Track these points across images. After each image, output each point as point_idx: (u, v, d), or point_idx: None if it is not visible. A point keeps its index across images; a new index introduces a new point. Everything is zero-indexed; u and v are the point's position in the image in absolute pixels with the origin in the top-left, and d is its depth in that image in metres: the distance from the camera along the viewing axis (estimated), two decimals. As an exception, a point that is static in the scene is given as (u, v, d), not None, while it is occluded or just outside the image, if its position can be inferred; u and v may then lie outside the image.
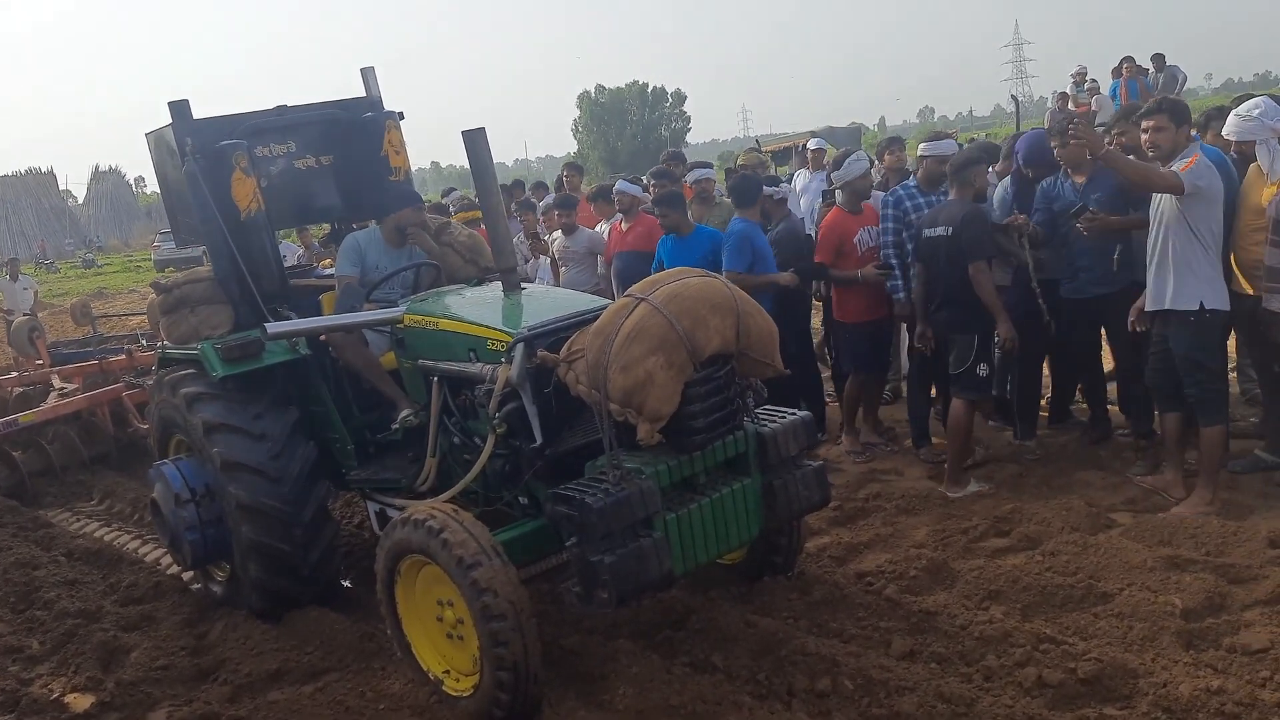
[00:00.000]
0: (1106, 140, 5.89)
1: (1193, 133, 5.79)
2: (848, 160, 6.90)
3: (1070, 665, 3.90)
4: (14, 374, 11.51)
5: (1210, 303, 5.27)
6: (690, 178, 8.69)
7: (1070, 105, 15.49)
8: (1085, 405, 7.00)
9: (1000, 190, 6.76)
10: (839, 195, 6.99)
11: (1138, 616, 4.26)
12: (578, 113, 77.76)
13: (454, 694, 4.21)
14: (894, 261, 6.70)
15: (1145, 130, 5.44)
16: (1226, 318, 5.45)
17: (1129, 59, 15.84)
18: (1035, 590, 4.63)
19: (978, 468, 6.45)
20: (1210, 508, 5.36)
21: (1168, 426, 5.74)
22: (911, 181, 6.94)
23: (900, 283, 6.72)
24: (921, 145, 7.10)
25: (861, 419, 7.26)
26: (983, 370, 6.11)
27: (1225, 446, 5.65)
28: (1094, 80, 16.71)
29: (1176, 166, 5.21)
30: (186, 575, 6.21)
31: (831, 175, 7.00)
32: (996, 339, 6.04)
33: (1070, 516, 5.42)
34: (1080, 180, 6.11)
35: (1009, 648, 4.12)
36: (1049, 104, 20.05)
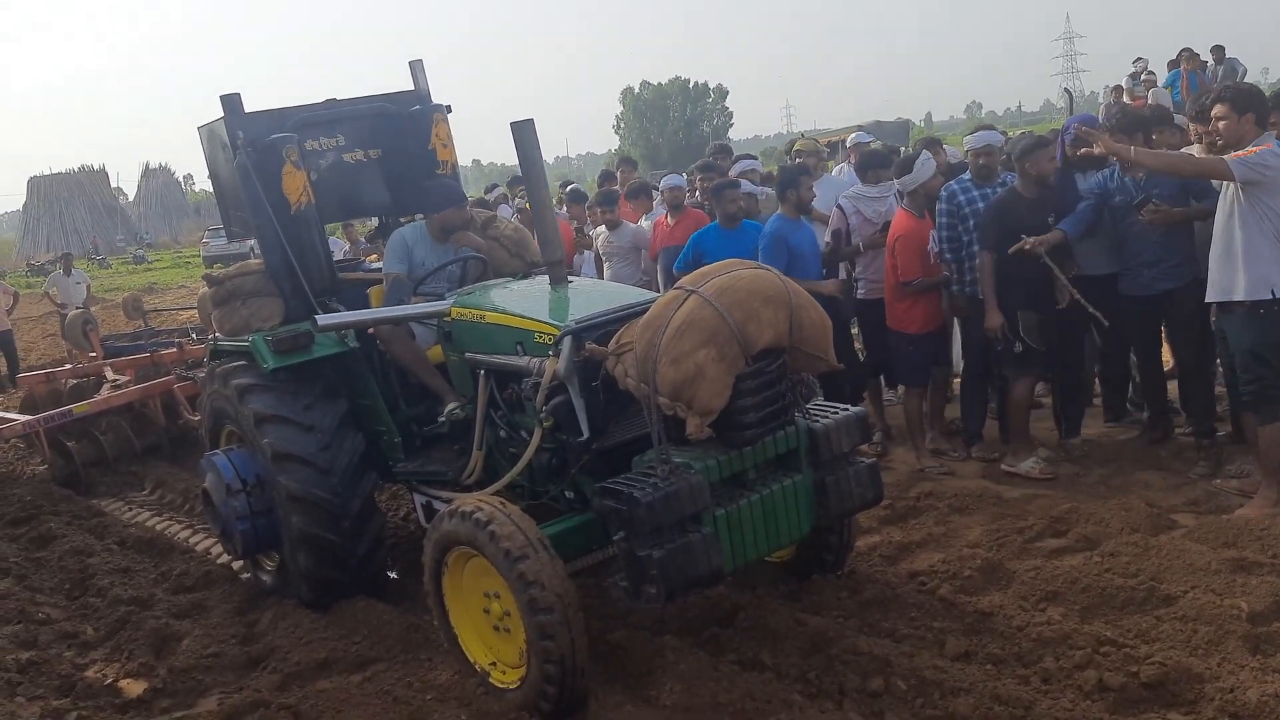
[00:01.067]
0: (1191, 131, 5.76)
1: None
2: (917, 163, 6.63)
3: (1132, 669, 3.80)
4: (68, 366, 11.71)
5: None
6: (736, 169, 8.60)
7: (1125, 99, 15.19)
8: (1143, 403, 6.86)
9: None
10: (908, 199, 6.71)
11: (1202, 620, 4.13)
12: (620, 109, 77.86)
13: (500, 686, 4.19)
14: (948, 257, 6.58)
15: (1211, 120, 5.31)
16: None
17: (1188, 50, 15.51)
18: (1094, 592, 4.52)
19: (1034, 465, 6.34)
20: (1276, 508, 5.20)
21: (1249, 424, 5.56)
22: (966, 175, 6.81)
23: (958, 276, 6.58)
24: (967, 139, 6.97)
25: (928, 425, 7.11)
26: (1018, 348, 6.19)
27: None
28: (1151, 73, 16.38)
29: (1239, 154, 5.07)
30: (237, 564, 6.28)
31: (899, 181, 6.78)
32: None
33: (1130, 517, 5.29)
34: (1141, 173, 5.97)
35: (1068, 650, 4.02)
36: (1101, 98, 19.70)
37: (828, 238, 7.19)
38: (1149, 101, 13.97)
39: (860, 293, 7.18)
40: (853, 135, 10.43)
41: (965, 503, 5.86)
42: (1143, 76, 16.26)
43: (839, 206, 7.21)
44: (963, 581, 4.83)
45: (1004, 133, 8.08)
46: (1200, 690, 3.66)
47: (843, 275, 7.19)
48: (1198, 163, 5.25)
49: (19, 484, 9.24)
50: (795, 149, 8.36)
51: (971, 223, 6.46)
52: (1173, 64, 15.71)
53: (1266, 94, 5.80)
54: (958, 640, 4.23)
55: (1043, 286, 6.12)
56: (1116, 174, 6.12)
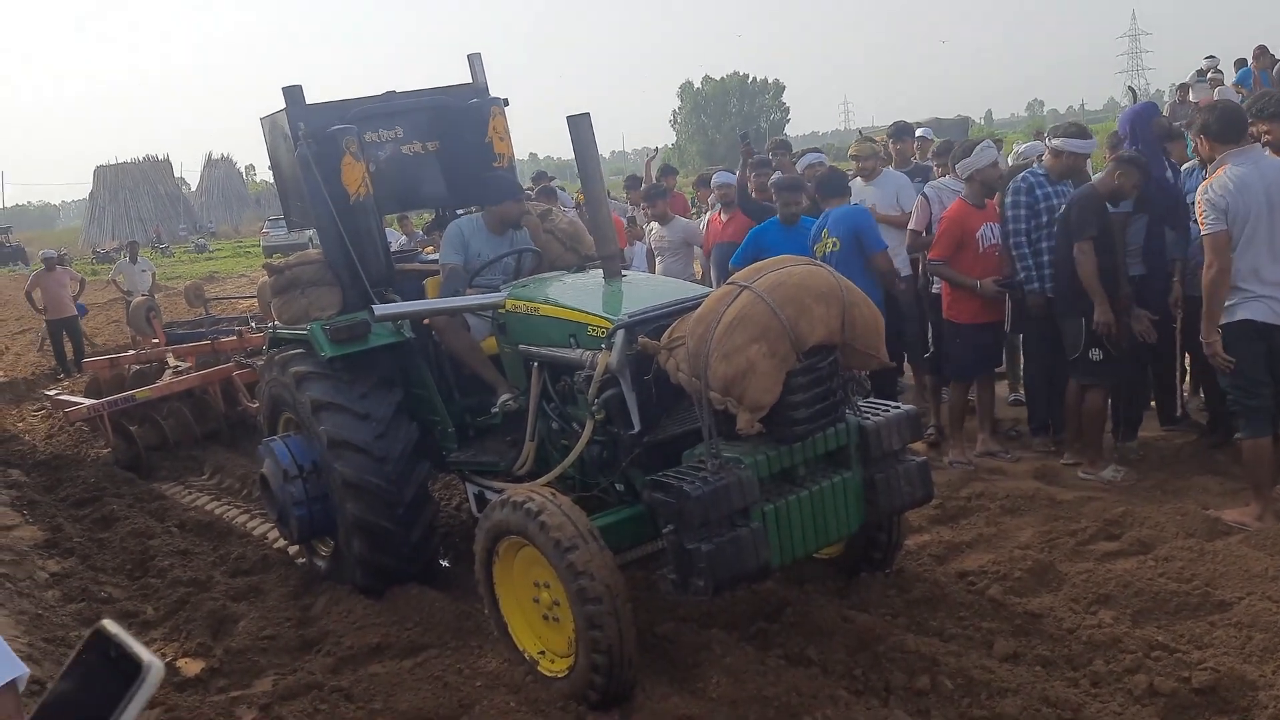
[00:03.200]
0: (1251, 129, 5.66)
1: None
2: (977, 149, 6.58)
3: (1184, 674, 3.75)
4: (132, 352, 11.99)
5: None
6: (802, 163, 8.55)
7: (1190, 97, 14.87)
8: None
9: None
10: (967, 188, 6.66)
11: (1258, 627, 4.07)
12: (678, 104, 77.83)
13: (549, 674, 4.24)
14: (1026, 250, 6.47)
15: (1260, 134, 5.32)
16: None
17: (1262, 48, 15.13)
18: (1147, 596, 4.46)
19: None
20: (1259, 522, 5.12)
21: None
22: (1039, 169, 6.72)
23: (1034, 273, 6.46)
24: (1059, 140, 6.76)
25: (978, 426, 7.04)
26: (1095, 355, 6.03)
27: None
28: (1219, 72, 16.00)
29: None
30: (292, 550, 6.40)
31: (957, 166, 6.72)
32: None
33: (1185, 521, 5.21)
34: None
35: (1118, 654, 3.98)
36: (1167, 96, 19.29)
37: (912, 226, 7.14)
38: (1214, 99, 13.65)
39: (936, 287, 7.13)
40: (920, 131, 10.34)
41: (1017, 504, 5.80)
42: (1210, 75, 15.89)
43: (924, 195, 7.17)
44: (1013, 582, 4.79)
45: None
46: (1254, 697, 3.61)
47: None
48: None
49: (83, 466, 9.50)
50: (851, 153, 8.23)
51: (1045, 219, 6.40)
52: (1241, 62, 15.32)
53: None
54: (1006, 641, 4.20)
55: (1122, 295, 6.04)
56: (1198, 171, 6.04)
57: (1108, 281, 5.98)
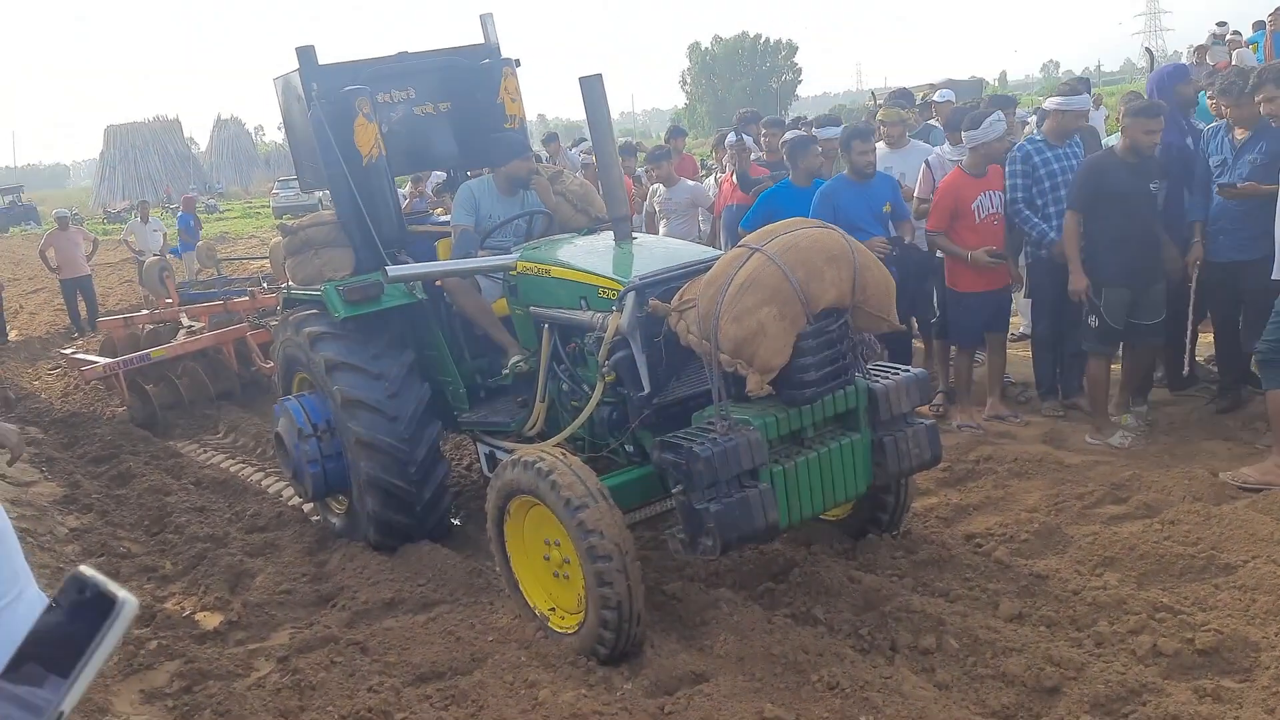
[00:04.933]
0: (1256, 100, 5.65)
1: None
2: (986, 121, 6.47)
3: (1188, 635, 3.79)
4: (145, 312, 12.07)
5: None
6: (823, 135, 8.48)
7: (1208, 59, 14.71)
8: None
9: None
10: (969, 156, 6.61)
11: (1262, 589, 4.10)
12: (687, 64, 77.16)
13: (559, 630, 4.32)
14: (1028, 213, 6.46)
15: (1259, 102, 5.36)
16: None
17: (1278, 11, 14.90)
18: (1153, 559, 4.50)
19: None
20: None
21: None
22: (1038, 135, 6.69)
23: (1049, 224, 6.44)
24: (1053, 100, 6.79)
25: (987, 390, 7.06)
26: (1093, 322, 6.10)
27: None
28: (1236, 33, 15.81)
29: None
30: (307, 507, 6.48)
31: (965, 135, 6.68)
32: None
33: (1193, 485, 5.24)
34: (1240, 136, 5.85)
35: (1123, 615, 4.02)
36: (1185, 58, 19.08)
37: (916, 194, 7.12)
38: (1232, 63, 13.52)
39: (940, 252, 7.11)
40: (939, 93, 10.26)
41: (1025, 467, 5.83)
42: (1228, 37, 15.71)
43: (927, 164, 7.14)
44: (1019, 545, 4.84)
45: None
46: (1256, 658, 3.65)
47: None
48: None
49: (100, 424, 9.60)
50: (880, 118, 8.10)
51: (1047, 184, 6.38)
52: (1260, 25, 15.11)
53: None
54: (1011, 602, 4.25)
55: (1140, 264, 6.01)
56: (1221, 131, 6.00)
57: (1124, 250, 5.97)
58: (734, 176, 8.27)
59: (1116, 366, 6.67)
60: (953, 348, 7.12)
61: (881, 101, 9.37)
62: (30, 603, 1.43)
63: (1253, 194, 5.67)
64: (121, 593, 1.02)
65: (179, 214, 17.57)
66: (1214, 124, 6.18)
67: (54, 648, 1.02)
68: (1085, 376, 6.42)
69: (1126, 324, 6.12)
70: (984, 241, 6.51)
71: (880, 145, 7.54)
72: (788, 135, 7.98)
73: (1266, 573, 4.21)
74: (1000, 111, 6.83)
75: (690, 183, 9.27)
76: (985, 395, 7.03)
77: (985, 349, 7.02)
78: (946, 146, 7.25)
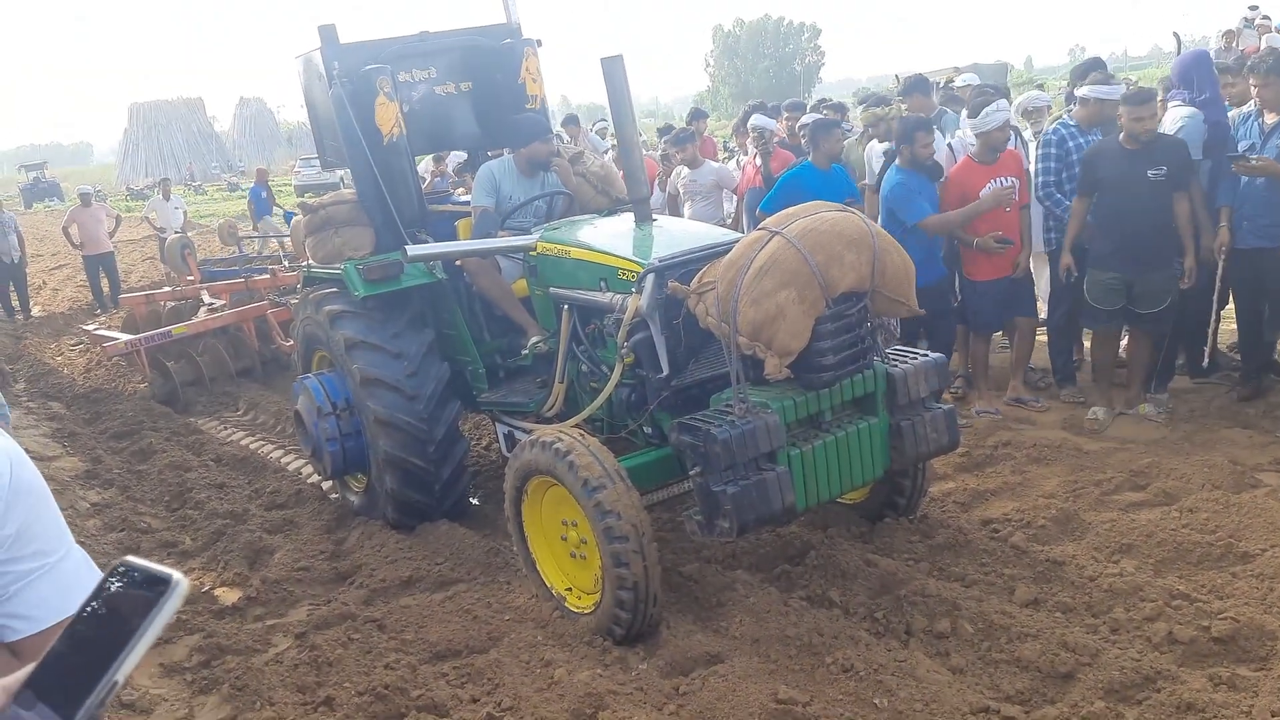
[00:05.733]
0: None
1: None
2: (987, 109, 6.41)
3: (1204, 623, 3.79)
4: (167, 289, 12.14)
5: None
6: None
7: (1237, 44, 14.52)
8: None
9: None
10: (978, 144, 6.53)
11: (1280, 579, 4.10)
12: (711, 46, 76.82)
13: (576, 610, 4.34)
14: (1059, 196, 6.47)
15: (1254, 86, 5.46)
16: None
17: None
18: (1170, 546, 4.49)
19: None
20: None
21: None
22: (1070, 119, 6.64)
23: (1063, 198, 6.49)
24: (1086, 88, 6.69)
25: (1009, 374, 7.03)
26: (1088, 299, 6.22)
27: None
28: (1266, 18, 15.60)
29: None
30: (326, 485, 6.53)
31: (970, 123, 6.64)
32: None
33: (1212, 473, 5.21)
34: (1270, 120, 5.78)
35: (1139, 602, 4.02)
36: (1213, 42, 18.83)
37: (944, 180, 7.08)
38: (1261, 47, 13.35)
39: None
40: (962, 77, 10.17)
41: (1044, 453, 5.81)
42: (1257, 21, 15.49)
43: (949, 147, 7.10)
44: (1036, 530, 4.83)
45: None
46: (1272, 647, 3.64)
47: None
48: None
49: (121, 400, 9.69)
50: (860, 119, 8.14)
51: (1078, 170, 6.35)
52: (1290, 7, 14.92)
53: None
54: (1027, 587, 4.25)
55: (1132, 251, 6.00)
56: (1252, 116, 5.94)
57: (1113, 236, 5.99)
58: (756, 159, 8.25)
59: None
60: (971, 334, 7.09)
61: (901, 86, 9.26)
62: (77, 560, 1.48)
63: (1267, 170, 5.61)
64: (175, 573, 1.06)
65: (251, 186, 17.67)
66: (1245, 108, 6.11)
67: (107, 629, 1.06)
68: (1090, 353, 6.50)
69: (1126, 311, 6.14)
70: (994, 228, 6.43)
71: (873, 143, 7.66)
72: (806, 118, 7.94)
73: (1285, 562, 4.19)
74: (1004, 100, 6.77)
75: (715, 164, 9.25)
76: (1004, 381, 7.00)
77: (1008, 335, 6.98)
78: (968, 131, 7.18)
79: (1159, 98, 6.54)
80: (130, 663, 1.03)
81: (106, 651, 1.04)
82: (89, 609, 1.07)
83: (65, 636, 1.06)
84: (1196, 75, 6.45)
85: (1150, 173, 5.88)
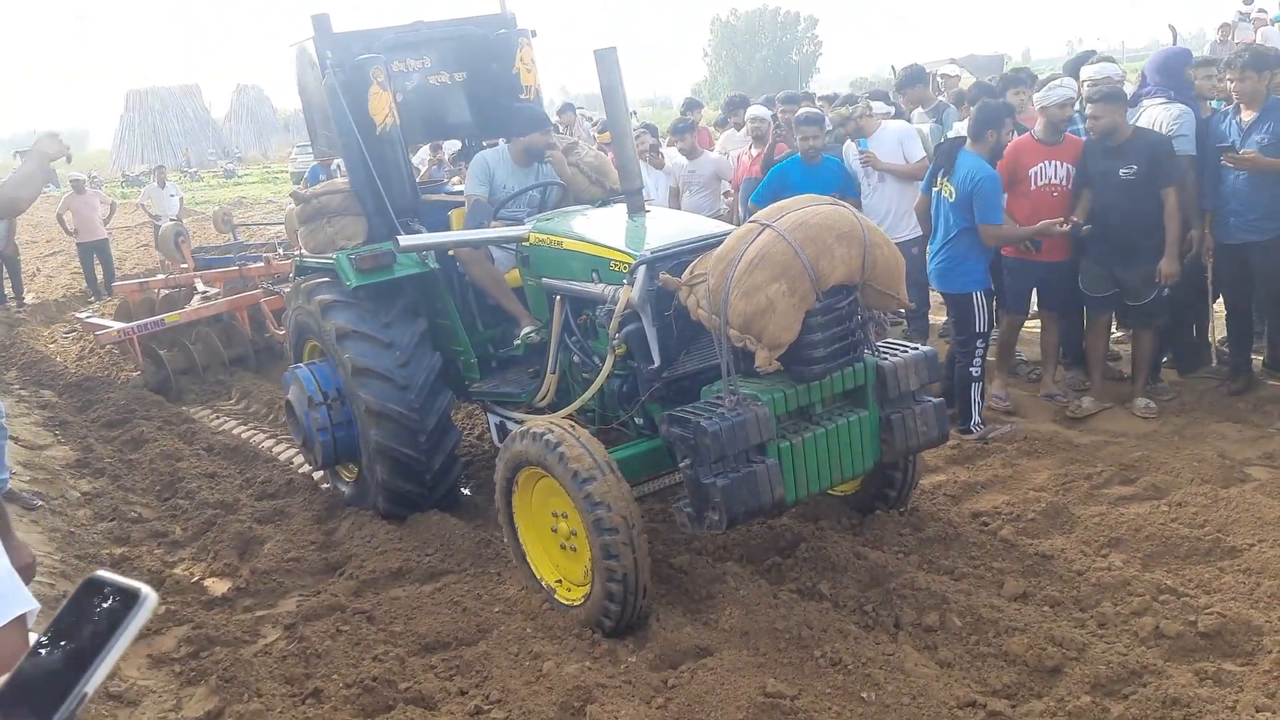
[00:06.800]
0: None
1: None
2: (1051, 84, 6.22)
3: (1190, 618, 3.80)
4: (160, 276, 12.10)
5: None
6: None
7: (1233, 36, 14.51)
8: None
9: None
10: (1041, 122, 6.28)
11: (1267, 573, 4.10)
12: (709, 36, 76.65)
13: (565, 602, 4.35)
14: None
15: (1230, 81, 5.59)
16: None
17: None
18: (1158, 540, 4.50)
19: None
20: None
21: None
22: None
23: None
24: (1085, 69, 6.72)
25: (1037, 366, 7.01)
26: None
27: None
28: (1262, 11, 15.58)
29: None
30: (317, 475, 6.52)
31: (1034, 96, 6.54)
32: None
33: (1201, 468, 5.23)
34: (1247, 118, 5.78)
35: (1126, 596, 4.03)
36: (1209, 35, 18.81)
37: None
38: (1257, 40, 13.34)
39: None
40: (942, 68, 10.16)
41: (1035, 446, 5.83)
42: (1253, 15, 15.48)
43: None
44: (1025, 524, 4.84)
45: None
46: (1258, 643, 3.65)
47: None
48: None
49: (113, 388, 9.65)
50: (830, 117, 7.96)
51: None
52: (1287, 0, 14.90)
53: None
54: (1016, 581, 4.26)
55: (1111, 246, 6.01)
56: (1229, 115, 5.94)
57: (1097, 230, 5.99)
58: (751, 149, 8.25)
59: (1126, 347, 6.64)
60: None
61: (900, 76, 9.22)
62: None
63: (1255, 163, 5.62)
64: (144, 586, 1.08)
65: (310, 167, 17.65)
66: (1223, 107, 6.13)
67: (75, 642, 1.08)
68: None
69: (1120, 304, 6.20)
70: (1035, 210, 6.16)
71: (848, 142, 7.67)
72: (800, 111, 7.92)
73: (1272, 557, 4.21)
74: (1070, 78, 6.66)
75: (713, 155, 9.24)
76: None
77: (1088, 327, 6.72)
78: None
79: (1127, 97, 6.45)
80: (99, 675, 1.05)
81: (76, 664, 1.05)
82: (59, 624, 1.09)
83: (35, 651, 1.08)
84: (1164, 76, 6.45)
85: (1121, 171, 5.86)
